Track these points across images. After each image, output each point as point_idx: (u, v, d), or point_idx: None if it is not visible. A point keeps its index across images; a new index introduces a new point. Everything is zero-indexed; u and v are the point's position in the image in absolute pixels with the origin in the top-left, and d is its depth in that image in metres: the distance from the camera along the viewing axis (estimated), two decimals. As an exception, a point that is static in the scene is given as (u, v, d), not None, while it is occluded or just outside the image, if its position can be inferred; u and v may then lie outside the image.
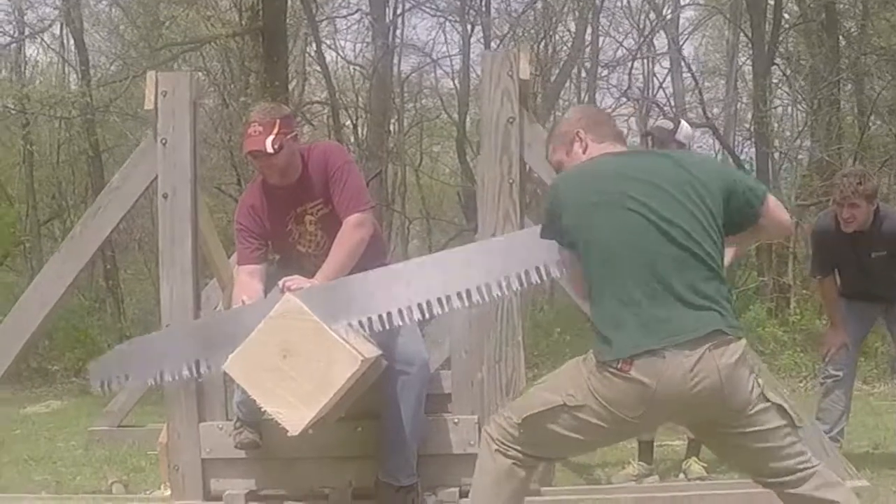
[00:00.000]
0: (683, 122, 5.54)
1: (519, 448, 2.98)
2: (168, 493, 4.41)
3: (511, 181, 4.15)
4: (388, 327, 3.66)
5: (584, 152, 3.16)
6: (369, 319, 3.64)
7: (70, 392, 12.57)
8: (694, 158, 3.16)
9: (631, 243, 2.88)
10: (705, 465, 5.37)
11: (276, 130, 4.02)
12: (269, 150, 4.01)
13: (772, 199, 3.05)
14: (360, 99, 19.25)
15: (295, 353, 3.51)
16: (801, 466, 2.92)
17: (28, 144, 16.10)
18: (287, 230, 4.23)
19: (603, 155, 3.10)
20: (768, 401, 2.90)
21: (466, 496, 3.26)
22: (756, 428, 2.88)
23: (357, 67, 19.76)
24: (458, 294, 3.56)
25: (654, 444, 5.61)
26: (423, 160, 20.57)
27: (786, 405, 2.92)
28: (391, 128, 18.46)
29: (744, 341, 2.89)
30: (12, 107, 15.72)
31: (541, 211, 3.22)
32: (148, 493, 5.34)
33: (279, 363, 3.50)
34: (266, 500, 4.23)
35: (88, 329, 14.52)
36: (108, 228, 4.48)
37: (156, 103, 4.33)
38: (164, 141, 4.30)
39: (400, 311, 3.63)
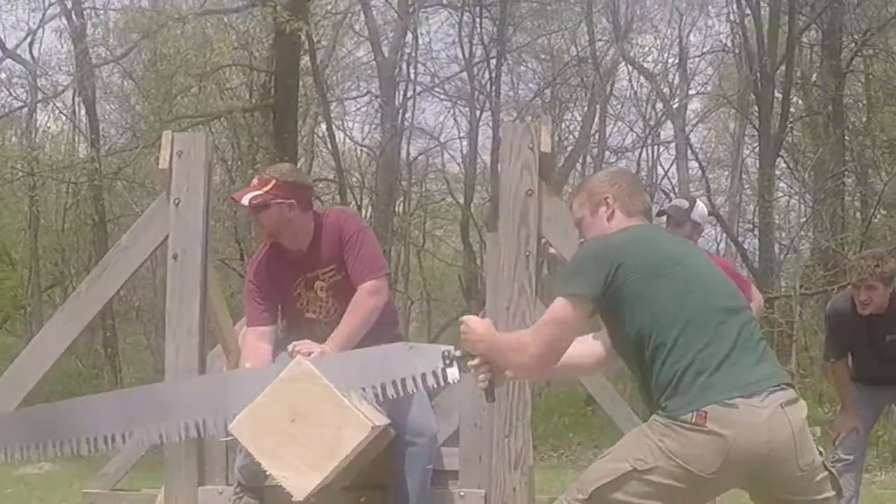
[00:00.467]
0: (699, 202, 5.46)
1: None
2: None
3: (528, 254, 4.07)
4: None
5: (608, 220, 3.11)
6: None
7: (64, 454, 12.36)
8: None
9: (706, 298, 2.89)
10: None
11: (266, 189, 3.98)
12: (244, 202, 4.00)
13: None
14: (365, 180, 19.39)
15: (304, 417, 3.43)
16: None
17: (34, 207, 16.14)
18: (296, 295, 4.15)
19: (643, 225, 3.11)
20: (826, 469, 2.88)
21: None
22: (821, 496, 2.86)
23: (364, 148, 19.95)
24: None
25: None
26: (426, 242, 20.62)
27: (836, 474, 2.91)
28: (396, 209, 18.54)
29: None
30: (20, 168, 15.78)
31: (573, 262, 3.08)
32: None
33: (287, 427, 3.42)
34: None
35: (85, 395, 14.41)
36: (113, 289, 4.39)
37: (170, 163, 4.27)
38: (176, 201, 4.23)
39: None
